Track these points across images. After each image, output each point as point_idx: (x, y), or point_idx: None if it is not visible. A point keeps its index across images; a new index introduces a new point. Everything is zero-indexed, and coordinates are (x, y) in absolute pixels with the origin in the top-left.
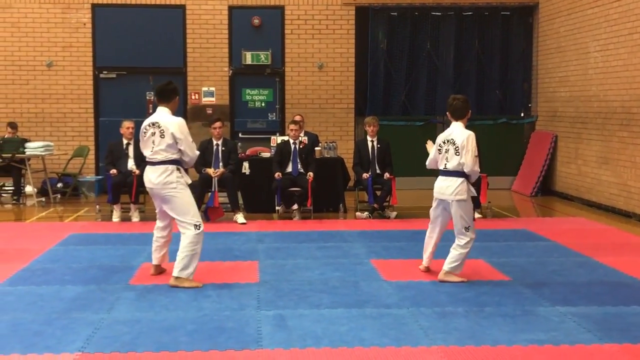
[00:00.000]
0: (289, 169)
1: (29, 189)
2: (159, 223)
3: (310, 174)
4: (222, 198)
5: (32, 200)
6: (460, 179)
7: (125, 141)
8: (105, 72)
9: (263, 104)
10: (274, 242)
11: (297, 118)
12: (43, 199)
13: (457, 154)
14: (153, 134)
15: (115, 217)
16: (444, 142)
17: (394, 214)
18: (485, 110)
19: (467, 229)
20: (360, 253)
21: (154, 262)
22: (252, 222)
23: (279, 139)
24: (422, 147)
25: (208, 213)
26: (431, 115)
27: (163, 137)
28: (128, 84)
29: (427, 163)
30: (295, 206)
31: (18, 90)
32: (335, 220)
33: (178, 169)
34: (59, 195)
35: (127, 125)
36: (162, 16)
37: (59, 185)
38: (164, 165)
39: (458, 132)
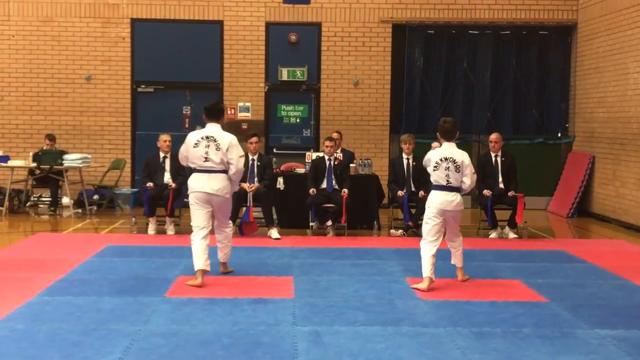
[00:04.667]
0: (324, 185)
1: (65, 200)
2: (204, 231)
3: (345, 190)
4: (256, 213)
5: (68, 212)
6: (459, 193)
7: (162, 154)
8: (143, 86)
9: (298, 120)
10: (308, 258)
11: (335, 135)
12: (79, 211)
13: (458, 170)
14: (207, 146)
15: (151, 229)
16: (442, 160)
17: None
18: (521, 129)
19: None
20: (395, 271)
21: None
22: (286, 237)
23: (314, 155)
24: None
25: (242, 227)
26: (467, 134)
27: (219, 150)
28: (165, 98)
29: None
30: (329, 222)
31: (57, 103)
32: (369, 238)
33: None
34: (95, 207)
35: (164, 139)
36: (200, 31)
37: (95, 197)
38: (223, 174)
39: (455, 152)
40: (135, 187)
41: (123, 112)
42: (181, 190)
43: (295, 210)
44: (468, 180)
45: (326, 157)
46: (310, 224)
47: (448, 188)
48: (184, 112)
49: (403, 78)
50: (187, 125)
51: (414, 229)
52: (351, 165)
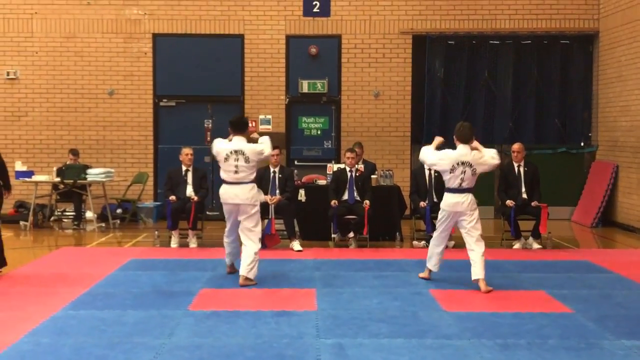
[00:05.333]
0: (345, 196)
1: (89, 214)
2: (231, 237)
3: (367, 201)
4: (278, 225)
5: (92, 226)
6: (471, 194)
7: (184, 168)
8: (165, 100)
9: (319, 132)
10: (330, 270)
11: (356, 147)
12: (103, 225)
13: (474, 173)
14: (237, 159)
15: (174, 243)
16: (457, 164)
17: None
18: (544, 139)
19: (481, 236)
20: (418, 282)
21: (229, 263)
22: (308, 249)
23: (335, 166)
24: (482, 176)
25: (265, 240)
26: (489, 144)
27: (248, 162)
28: (187, 112)
29: (422, 156)
30: (351, 234)
31: (80, 118)
32: (391, 249)
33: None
34: (118, 221)
35: (186, 152)
36: (220, 46)
37: (119, 211)
38: (251, 184)
39: (471, 156)
40: (158, 200)
41: (145, 126)
42: (204, 204)
43: (317, 222)
44: (493, 160)
45: (347, 169)
46: (332, 235)
47: (460, 190)
48: (205, 125)
49: (424, 89)
50: (208, 139)
51: None
52: (372, 176)
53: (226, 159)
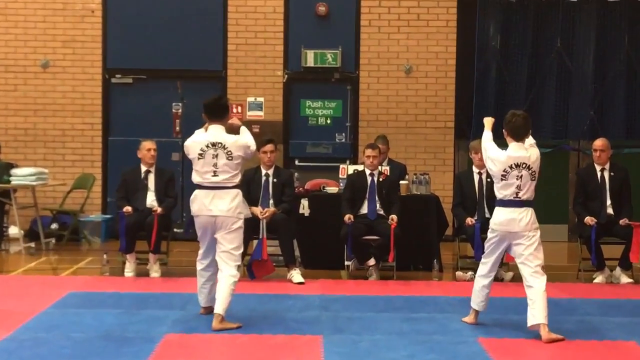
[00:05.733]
0: (364, 209)
1: (14, 230)
2: (206, 260)
3: (393, 217)
4: (271, 248)
5: (17, 246)
6: (531, 209)
7: (144, 168)
8: (119, 76)
9: (329, 121)
10: (343, 310)
11: (379, 143)
12: (32, 245)
13: (534, 178)
14: (215, 155)
15: (129, 270)
16: (512, 167)
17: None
18: (637, 133)
19: (542, 267)
20: (462, 328)
21: (204, 304)
22: (313, 281)
23: (351, 168)
24: (553, 183)
25: (253, 268)
26: (562, 140)
27: (231, 160)
28: (149, 93)
29: (485, 144)
30: (372, 261)
31: (3, 99)
32: (427, 282)
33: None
34: (53, 240)
35: (147, 147)
36: (195, 3)
37: (54, 226)
38: (234, 190)
39: (529, 154)
40: (107, 212)
41: (91, 110)
42: (170, 218)
43: (325, 245)
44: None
45: (367, 172)
46: (346, 263)
47: (517, 203)
48: (174, 110)
49: (473, 64)
50: (177, 128)
51: None
52: (402, 182)
53: (201, 156)
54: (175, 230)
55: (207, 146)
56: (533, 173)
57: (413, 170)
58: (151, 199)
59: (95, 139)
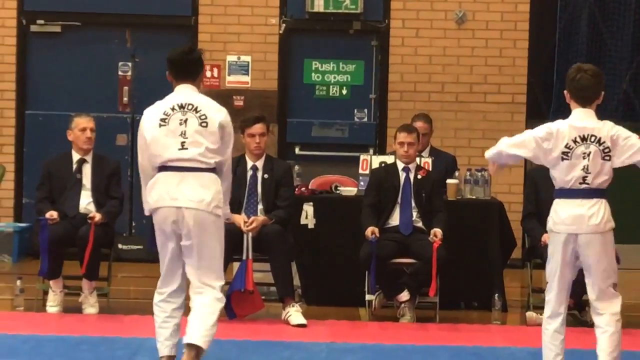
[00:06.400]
0: (395, 220)
1: None
2: (169, 287)
3: (437, 231)
4: (260, 274)
5: None
6: (604, 200)
7: (77, 156)
8: (41, 22)
9: (345, 92)
10: None
11: (419, 126)
12: None
13: (607, 157)
14: (183, 121)
15: (53, 304)
16: (576, 141)
17: None
18: None
19: (615, 285)
20: None
21: (166, 352)
22: (319, 323)
23: (376, 160)
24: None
25: (233, 303)
26: None
27: (205, 127)
28: (85, 47)
29: (491, 154)
30: (404, 295)
31: None
32: (484, 327)
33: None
34: None
35: (81, 126)
36: None
37: None
38: (209, 173)
39: (600, 125)
40: (22, 219)
41: (0, 71)
42: (113, 228)
43: (336, 271)
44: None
45: (400, 166)
46: (368, 297)
47: (584, 193)
48: (120, 73)
49: (555, 12)
50: (125, 99)
51: (574, 311)
52: (449, 181)
53: (163, 122)
54: (120, 246)
55: (173, 108)
56: (606, 150)
57: (466, 164)
58: (86, 201)
59: (6, 113)
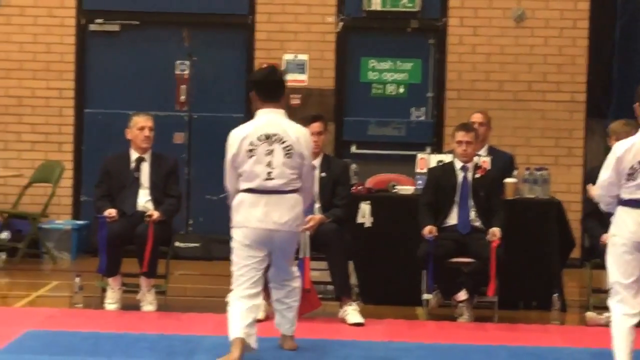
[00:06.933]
0: (453, 219)
1: None
2: (251, 289)
3: (496, 230)
4: (317, 272)
5: None
6: None
7: (135, 155)
8: (100, 21)
9: (402, 90)
10: None
11: (476, 118)
12: None
13: None
14: (269, 152)
15: (111, 301)
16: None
17: None
18: None
19: None
20: None
21: (242, 335)
22: (376, 322)
23: (434, 159)
24: None
25: None
26: None
27: (290, 157)
28: (143, 46)
29: (598, 194)
30: (462, 295)
31: None
32: (543, 327)
33: None
34: (3, 255)
35: (140, 125)
36: None
37: (4, 235)
38: (293, 194)
39: None
40: (81, 217)
41: (60, 70)
42: (171, 226)
43: (393, 270)
44: None
45: (458, 165)
46: (425, 296)
47: None
48: (178, 71)
49: (615, 11)
50: (183, 97)
51: None
52: (507, 180)
53: (251, 153)
54: (177, 244)
55: (260, 139)
56: None
57: (525, 163)
58: (144, 199)
59: (65, 112)
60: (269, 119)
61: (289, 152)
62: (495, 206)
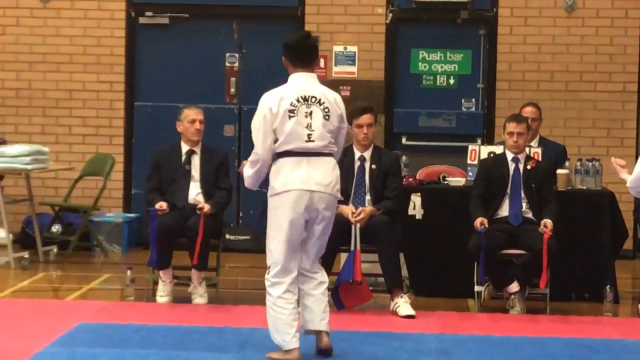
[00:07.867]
0: (504, 211)
1: (1, 234)
2: (290, 275)
3: (548, 222)
4: (367, 264)
5: (4, 256)
6: None
7: (186, 147)
8: (150, 13)
9: (452, 81)
10: (471, 357)
11: (529, 113)
12: (26, 255)
13: None
14: (309, 114)
15: (163, 294)
16: None
17: None
18: None
19: None
20: None
21: (297, 344)
22: (428, 314)
23: (485, 150)
24: None
25: (341, 294)
26: None
27: (328, 119)
28: (192, 38)
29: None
30: (514, 287)
31: None
32: (596, 318)
33: None
34: (55, 248)
35: (191, 117)
36: None
37: (56, 228)
38: (331, 158)
39: None
40: (132, 210)
41: (110, 64)
42: (222, 219)
43: (445, 262)
44: None
45: (509, 156)
46: (477, 288)
47: None
48: (227, 64)
49: None
50: (232, 90)
51: None
52: (559, 171)
53: (292, 113)
54: (228, 237)
55: (298, 100)
56: None
57: (576, 153)
58: (195, 192)
59: (116, 105)
60: (305, 82)
61: (327, 114)
62: (547, 197)
